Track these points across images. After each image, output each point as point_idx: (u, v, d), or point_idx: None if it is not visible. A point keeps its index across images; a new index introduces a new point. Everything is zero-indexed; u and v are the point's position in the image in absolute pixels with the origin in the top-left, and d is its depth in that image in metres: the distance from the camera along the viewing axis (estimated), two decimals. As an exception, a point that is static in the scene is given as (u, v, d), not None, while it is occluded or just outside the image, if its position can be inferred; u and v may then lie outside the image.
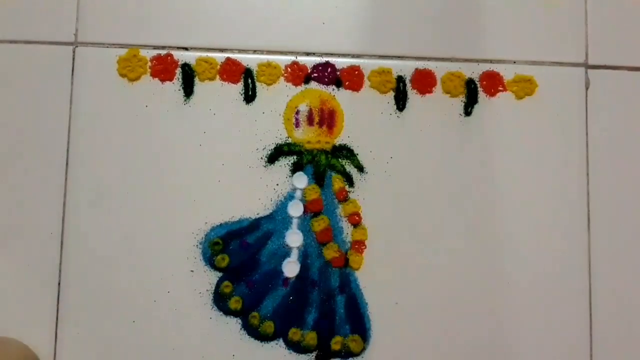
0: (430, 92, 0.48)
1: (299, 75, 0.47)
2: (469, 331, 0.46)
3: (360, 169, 0.47)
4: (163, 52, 0.47)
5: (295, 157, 0.47)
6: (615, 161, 0.48)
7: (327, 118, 0.47)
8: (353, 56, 0.48)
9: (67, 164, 0.46)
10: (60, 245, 0.46)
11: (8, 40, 0.47)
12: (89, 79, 0.47)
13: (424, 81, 0.48)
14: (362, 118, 0.47)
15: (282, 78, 0.47)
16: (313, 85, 0.47)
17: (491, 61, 0.48)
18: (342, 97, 0.47)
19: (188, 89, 0.47)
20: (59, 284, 0.45)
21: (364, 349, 0.45)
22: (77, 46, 0.47)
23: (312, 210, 0.46)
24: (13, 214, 0.46)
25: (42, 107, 0.47)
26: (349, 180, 0.47)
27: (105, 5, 0.47)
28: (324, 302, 0.46)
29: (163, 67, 0.47)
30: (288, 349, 0.45)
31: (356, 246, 0.46)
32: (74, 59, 0.47)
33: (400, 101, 0.48)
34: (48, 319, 0.45)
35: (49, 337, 0.45)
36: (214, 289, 0.46)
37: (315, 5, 0.48)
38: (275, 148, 0.47)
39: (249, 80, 0.47)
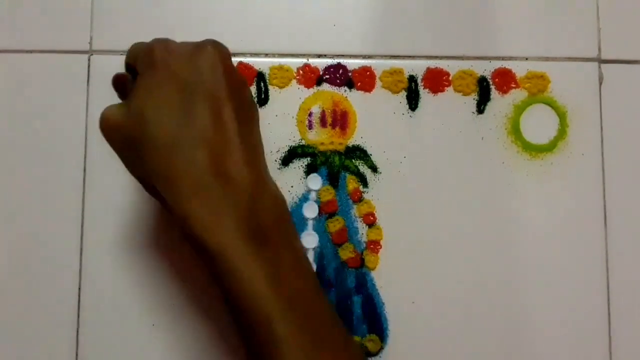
0: (442, 90, 0.48)
1: (311, 77, 0.48)
2: (487, 330, 0.46)
3: (374, 169, 0.47)
4: (176, 58, 0.47)
5: (309, 158, 0.47)
6: (632, 156, 0.47)
7: (339, 119, 0.47)
8: (364, 57, 0.48)
9: (84, 171, 0.47)
10: (79, 253, 0.46)
11: (24, 50, 0.48)
12: (104, 86, 0.47)
13: (436, 80, 0.48)
14: (374, 118, 0.47)
15: (294, 81, 0.48)
16: (325, 87, 0.48)
17: (503, 58, 0.48)
18: (354, 98, 0.48)
19: (201, 94, 0.47)
20: (79, 288, 0.46)
21: (381, 348, 0.46)
22: (92, 54, 0.48)
23: (327, 212, 0.47)
24: (32, 218, 0.47)
25: (59, 115, 0.47)
26: (363, 181, 0.47)
27: (119, 13, 0.48)
28: (341, 302, 0.46)
29: (177, 73, 0.47)
30: (306, 349, 0.46)
31: (371, 246, 0.46)
32: (89, 67, 0.48)
33: (413, 101, 0.48)
34: (68, 323, 0.46)
35: (70, 341, 0.46)
36: (231, 291, 0.46)
37: (326, 7, 0.48)
38: (288, 150, 0.47)
39: (262, 84, 0.47)
